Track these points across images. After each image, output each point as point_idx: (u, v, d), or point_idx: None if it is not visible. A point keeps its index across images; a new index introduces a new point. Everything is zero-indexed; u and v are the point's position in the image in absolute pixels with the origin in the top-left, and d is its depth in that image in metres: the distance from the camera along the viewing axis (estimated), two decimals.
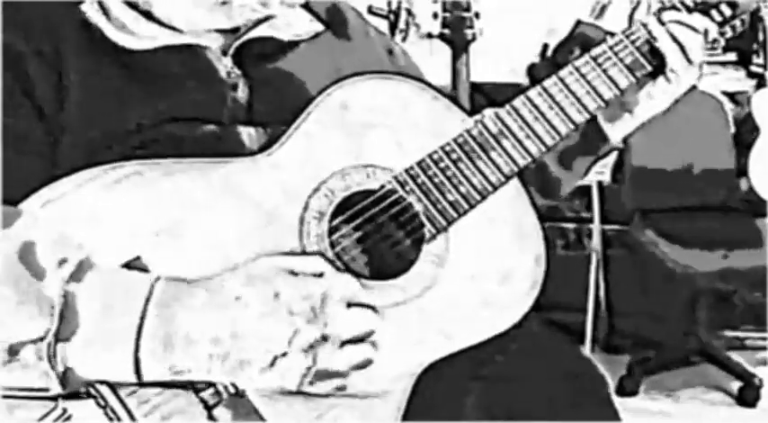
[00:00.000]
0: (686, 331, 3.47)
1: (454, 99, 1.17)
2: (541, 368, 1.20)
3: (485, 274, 1.11)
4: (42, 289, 0.93)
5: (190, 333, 0.95)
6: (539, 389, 1.18)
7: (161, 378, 0.96)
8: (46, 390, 0.94)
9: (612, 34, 1.21)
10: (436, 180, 1.11)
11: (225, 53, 1.17)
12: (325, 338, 0.97)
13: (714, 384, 3.40)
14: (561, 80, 1.17)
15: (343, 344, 0.99)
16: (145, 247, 1.00)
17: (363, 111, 1.10)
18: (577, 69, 1.17)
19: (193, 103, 1.13)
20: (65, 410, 0.96)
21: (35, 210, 0.99)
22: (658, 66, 1.21)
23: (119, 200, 1.01)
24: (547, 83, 1.16)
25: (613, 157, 3.39)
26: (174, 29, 1.16)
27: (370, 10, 2.80)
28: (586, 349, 3.51)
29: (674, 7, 1.21)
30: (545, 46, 3.91)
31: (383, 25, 2.86)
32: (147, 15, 1.15)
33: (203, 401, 0.99)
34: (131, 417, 0.97)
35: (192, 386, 0.98)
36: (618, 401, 1.24)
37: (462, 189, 1.11)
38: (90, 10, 1.13)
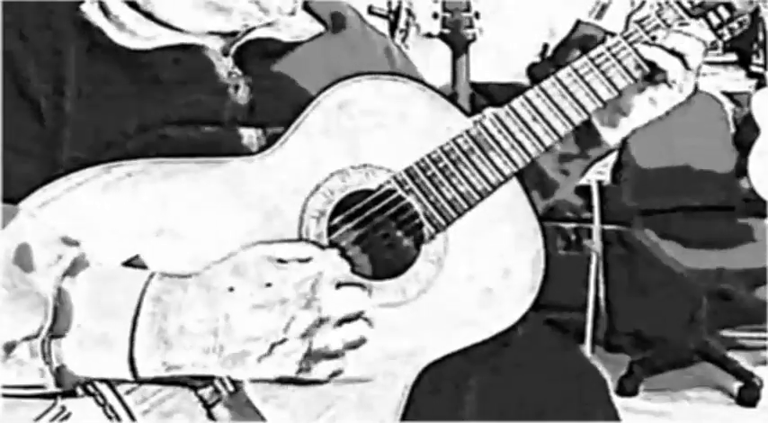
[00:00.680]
0: (686, 331, 3.47)
1: (453, 100, 1.17)
2: (541, 368, 1.21)
3: (484, 273, 1.12)
4: (36, 286, 0.93)
5: (184, 327, 0.95)
6: (538, 389, 1.18)
7: (156, 374, 0.96)
8: (42, 387, 0.94)
9: (612, 35, 1.21)
10: (435, 180, 1.11)
11: (226, 54, 1.17)
12: (321, 321, 0.98)
13: (714, 384, 3.40)
14: (559, 81, 1.17)
15: (338, 324, 0.99)
16: (144, 247, 1.00)
17: (363, 111, 1.11)
18: (576, 70, 1.17)
19: (194, 103, 1.13)
20: (63, 408, 0.96)
21: (33, 208, 0.99)
22: (657, 68, 1.21)
23: (118, 199, 1.01)
24: (545, 84, 1.16)
25: (613, 157, 3.38)
26: (174, 29, 1.16)
27: (371, 10, 2.81)
28: (586, 349, 3.51)
29: (671, 9, 1.21)
30: (545, 46, 3.91)
31: (383, 25, 2.87)
32: (148, 16, 1.16)
33: (202, 400, 0.99)
34: (130, 415, 0.97)
35: (191, 384, 0.99)
36: (618, 401, 1.24)
37: (461, 189, 1.12)
38: (90, 10, 1.13)
